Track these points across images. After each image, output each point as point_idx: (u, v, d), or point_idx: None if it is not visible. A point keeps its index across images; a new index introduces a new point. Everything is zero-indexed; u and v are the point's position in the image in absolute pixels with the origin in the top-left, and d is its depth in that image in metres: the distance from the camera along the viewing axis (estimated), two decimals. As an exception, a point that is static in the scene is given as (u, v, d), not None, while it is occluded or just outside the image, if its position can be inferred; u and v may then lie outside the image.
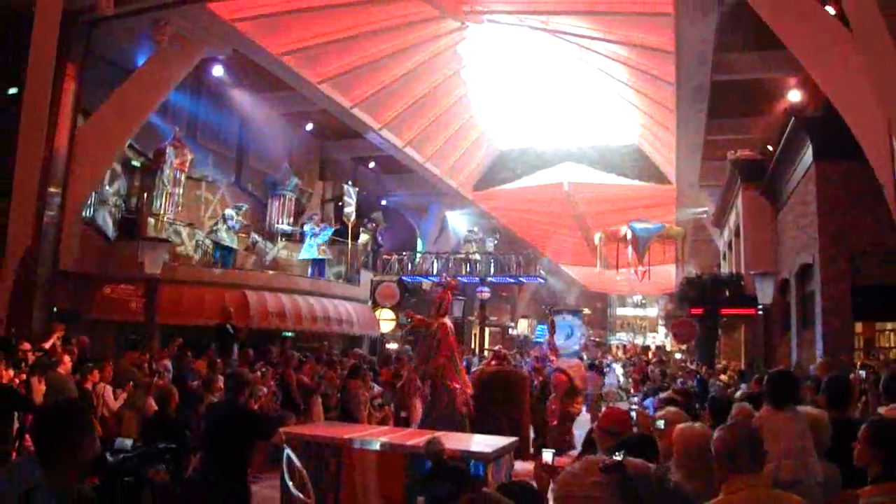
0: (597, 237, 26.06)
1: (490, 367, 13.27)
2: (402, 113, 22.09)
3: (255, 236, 20.82)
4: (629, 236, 23.89)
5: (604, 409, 5.16)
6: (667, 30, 14.81)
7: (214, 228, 19.17)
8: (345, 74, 19.01)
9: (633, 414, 7.25)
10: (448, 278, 14.67)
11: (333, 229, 22.88)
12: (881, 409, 5.80)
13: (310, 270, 21.72)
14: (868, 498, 3.26)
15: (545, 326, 17.26)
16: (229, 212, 19.35)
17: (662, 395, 7.45)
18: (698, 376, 15.68)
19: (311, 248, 21.84)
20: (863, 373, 8.36)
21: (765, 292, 15.93)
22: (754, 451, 3.17)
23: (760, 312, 16.75)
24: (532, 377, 14.25)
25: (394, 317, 26.18)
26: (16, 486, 2.62)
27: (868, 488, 3.26)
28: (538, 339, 25.06)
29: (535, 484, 3.57)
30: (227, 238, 19.01)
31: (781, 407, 4.80)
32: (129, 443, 2.92)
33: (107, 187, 16.98)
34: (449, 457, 6.59)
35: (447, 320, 11.54)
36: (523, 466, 10.77)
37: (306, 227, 22.36)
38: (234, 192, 21.80)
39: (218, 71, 18.66)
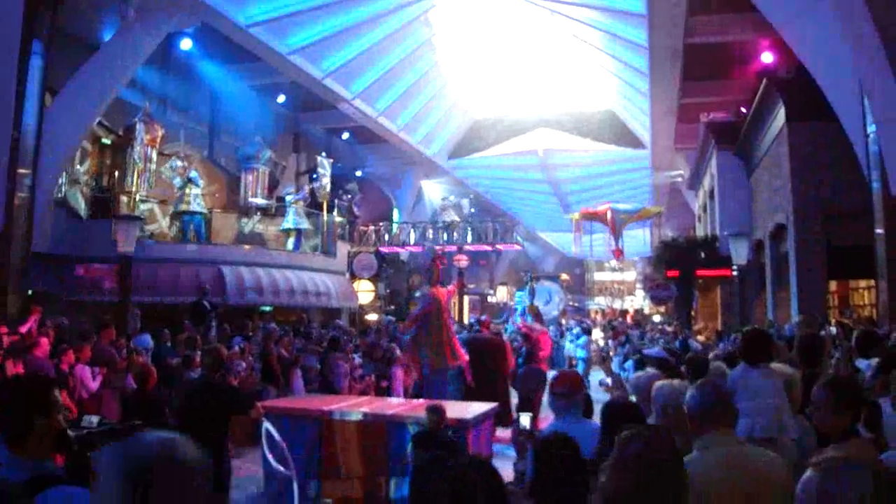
0: (574, 216, 26.17)
1: (476, 336, 13.28)
2: (374, 83, 21.91)
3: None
4: (608, 216, 24.03)
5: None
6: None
7: (182, 194, 18.77)
8: (315, 44, 18.79)
9: (607, 380, 7.30)
10: (433, 247, 14.61)
11: (308, 190, 22.71)
12: (861, 363, 5.89)
13: (293, 243, 21.58)
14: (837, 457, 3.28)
15: (523, 293, 17.34)
16: (194, 173, 18.95)
17: (647, 351, 7.49)
18: (680, 337, 15.84)
19: (293, 217, 21.67)
20: (834, 330, 8.47)
21: (739, 253, 16.08)
22: (724, 408, 3.21)
23: (736, 273, 16.90)
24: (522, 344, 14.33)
25: (372, 288, 26.16)
26: None
27: (833, 447, 3.25)
28: (517, 306, 25.12)
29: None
30: (196, 203, 18.69)
31: (755, 364, 4.86)
32: (95, 420, 2.91)
33: (77, 166, 16.75)
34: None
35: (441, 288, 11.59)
36: (505, 433, 10.89)
37: (288, 197, 22.20)
38: (206, 167, 21.56)
39: (186, 44, 18.42)
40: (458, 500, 2.42)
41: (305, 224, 22.06)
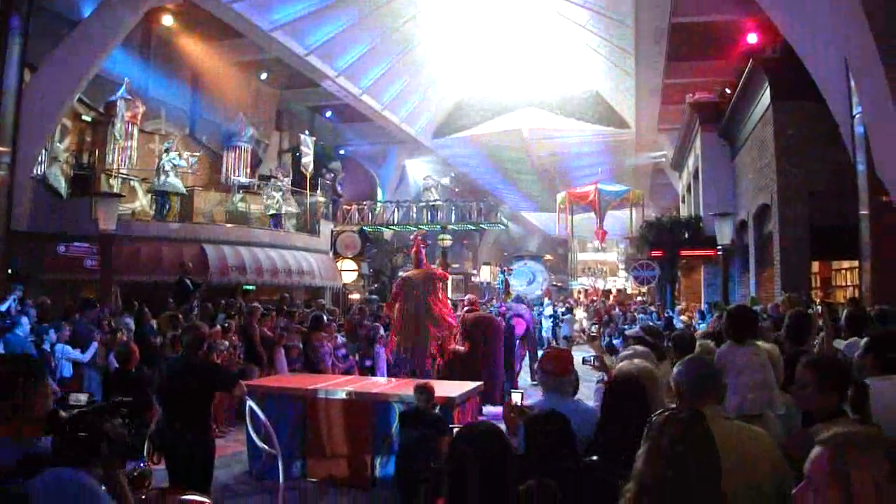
0: (559, 197, 26.21)
1: (469, 315, 13.22)
2: (358, 60, 21.76)
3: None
4: (591, 197, 24.13)
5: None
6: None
7: (162, 170, 18.18)
8: (298, 21, 18.63)
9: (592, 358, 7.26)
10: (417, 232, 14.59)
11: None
12: (839, 343, 5.90)
13: (271, 222, 21.42)
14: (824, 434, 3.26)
15: (502, 277, 17.42)
16: (174, 156, 18.54)
17: (629, 331, 7.48)
18: (665, 315, 15.92)
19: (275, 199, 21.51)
20: (819, 308, 8.49)
21: (723, 233, 16.11)
22: (714, 384, 3.20)
23: (720, 253, 16.95)
24: (514, 324, 14.34)
25: (355, 267, 26.09)
26: None
27: (820, 427, 3.22)
28: (499, 286, 25.23)
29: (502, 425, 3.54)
30: (175, 182, 18.38)
31: (741, 342, 4.87)
32: (83, 398, 2.85)
33: (57, 143, 16.54)
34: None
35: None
36: (492, 411, 10.90)
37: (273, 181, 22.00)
38: (188, 144, 21.35)
39: (167, 20, 18.17)
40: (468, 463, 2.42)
41: (285, 207, 21.81)
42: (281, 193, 21.43)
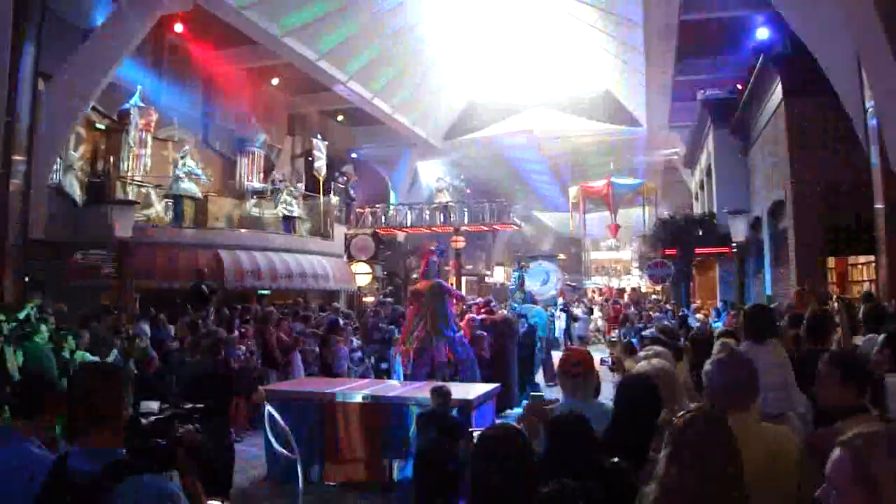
0: (573, 192, 26.16)
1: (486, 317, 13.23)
2: (368, 64, 21.80)
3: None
4: (605, 191, 24.09)
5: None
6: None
7: (176, 177, 18.55)
8: (309, 26, 18.68)
9: (609, 358, 7.26)
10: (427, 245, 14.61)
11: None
12: (858, 340, 5.89)
13: (283, 226, 21.52)
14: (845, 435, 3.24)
15: (517, 275, 17.40)
16: (190, 163, 18.82)
17: (645, 332, 7.50)
18: (680, 313, 15.87)
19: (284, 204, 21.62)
20: (836, 304, 8.46)
21: (738, 230, 16.04)
22: (752, 385, 3.16)
23: (734, 250, 16.88)
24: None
25: (369, 270, 26.13)
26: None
27: (841, 423, 3.18)
28: (512, 287, 25.20)
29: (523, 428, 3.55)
30: (190, 186, 18.52)
31: (761, 341, 4.85)
32: (154, 405, 2.91)
33: (72, 152, 16.64)
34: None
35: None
36: (509, 413, 10.90)
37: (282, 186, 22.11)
38: (201, 151, 21.44)
39: (179, 27, 18.26)
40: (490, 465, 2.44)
41: (297, 211, 21.92)
42: (292, 197, 21.53)
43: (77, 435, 2.70)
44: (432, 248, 13.49)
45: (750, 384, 3.16)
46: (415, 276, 31.44)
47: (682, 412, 2.42)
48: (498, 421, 8.58)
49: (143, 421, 2.78)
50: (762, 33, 16.00)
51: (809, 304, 8.53)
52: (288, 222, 21.34)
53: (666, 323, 13.11)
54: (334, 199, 24.75)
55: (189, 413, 2.93)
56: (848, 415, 3.11)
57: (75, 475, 2.55)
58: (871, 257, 12.26)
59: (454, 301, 12.06)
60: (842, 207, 13.41)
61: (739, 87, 18.40)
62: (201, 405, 3.08)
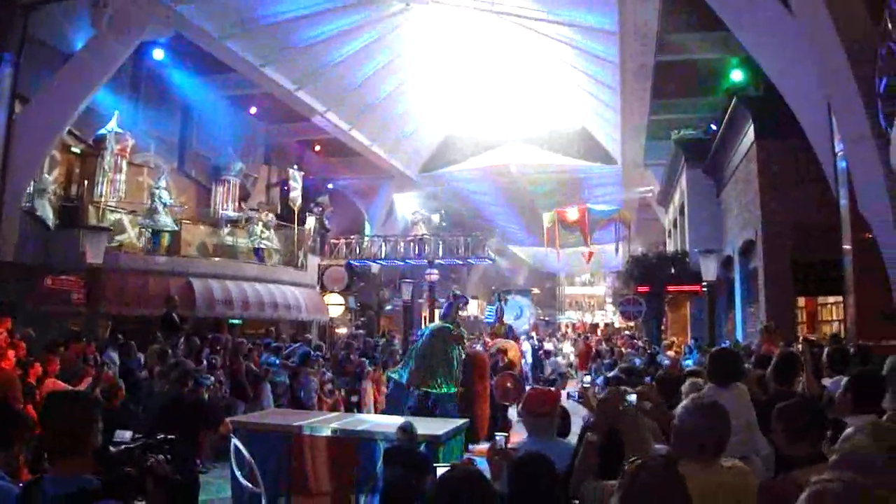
0: (547, 217, 26.25)
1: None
2: (347, 95, 21.89)
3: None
4: (580, 217, 24.16)
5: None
6: (611, 10, 14.91)
7: (152, 208, 18.33)
8: (289, 56, 18.77)
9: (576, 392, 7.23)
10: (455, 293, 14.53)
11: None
12: (826, 381, 5.93)
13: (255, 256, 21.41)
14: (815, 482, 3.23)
15: (493, 308, 17.37)
16: (164, 193, 18.54)
17: (609, 374, 7.51)
18: (648, 352, 15.92)
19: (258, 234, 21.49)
20: (801, 346, 8.52)
21: (709, 269, 16.16)
22: (725, 436, 3.12)
23: (705, 289, 17.00)
24: (498, 358, 14.34)
25: (342, 301, 26.04)
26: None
27: (798, 472, 3.08)
28: (487, 320, 25.15)
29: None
30: (165, 220, 18.43)
31: (725, 384, 4.88)
32: (128, 435, 2.95)
33: (46, 175, 16.51)
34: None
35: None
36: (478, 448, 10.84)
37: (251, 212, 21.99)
38: (177, 178, 21.35)
39: (159, 54, 18.25)
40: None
41: (267, 243, 21.73)
42: (268, 229, 21.44)
43: (50, 461, 2.80)
44: (458, 292, 13.54)
45: (724, 434, 3.12)
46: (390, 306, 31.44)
47: (633, 458, 2.42)
48: (466, 455, 8.56)
49: (113, 449, 2.80)
50: (736, 75, 16.25)
51: (778, 343, 8.62)
52: (259, 253, 21.20)
53: (636, 360, 13.18)
54: (309, 223, 24.57)
55: (160, 443, 2.96)
56: (804, 464, 3.11)
57: (45, 499, 2.61)
58: (840, 298, 12.39)
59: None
60: (812, 248, 13.57)
61: (713, 127, 18.66)
62: (172, 436, 3.10)
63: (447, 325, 11.72)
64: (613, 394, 3.69)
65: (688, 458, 2.97)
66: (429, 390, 10.76)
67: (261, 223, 21.46)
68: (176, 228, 18.80)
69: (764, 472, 4.12)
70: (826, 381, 5.94)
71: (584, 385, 5.40)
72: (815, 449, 3.32)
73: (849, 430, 2.67)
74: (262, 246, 21.34)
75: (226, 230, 21.16)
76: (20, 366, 9.24)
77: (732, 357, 5.38)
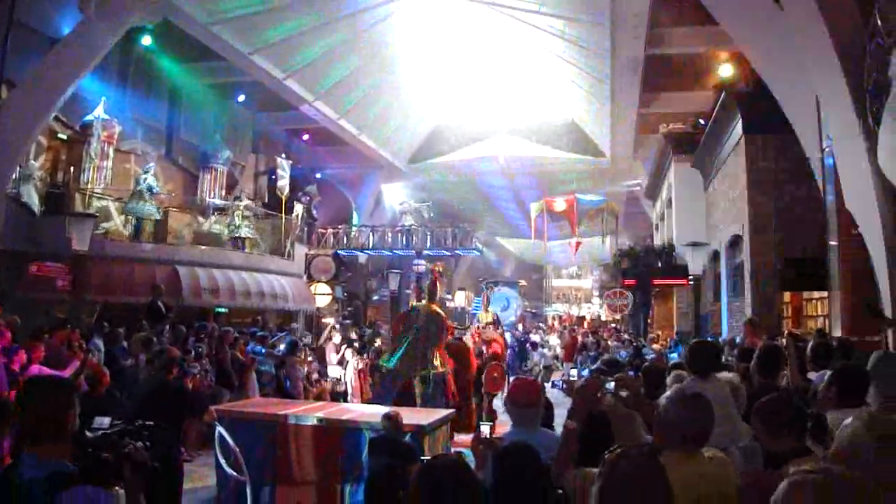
0: (535, 207, 26.26)
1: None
2: (336, 85, 21.80)
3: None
4: (568, 207, 24.17)
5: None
6: (602, 2, 14.92)
7: (137, 191, 17.99)
8: (277, 45, 18.67)
9: (560, 382, 7.26)
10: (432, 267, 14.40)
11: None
12: (812, 375, 5.96)
13: (233, 244, 21.17)
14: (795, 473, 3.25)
15: (480, 299, 17.34)
16: (151, 179, 18.20)
17: (593, 366, 7.54)
18: (634, 344, 15.98)
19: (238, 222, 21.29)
20: (785, 341, 8.56)
21: (696, 262, 16.26)
22: (709, 429, 3.14)
23: (691, 282, 17.08)
24: (482, 349, 14.38)
25: (329, 291, 26.00)
26: None
27: (785, 467, 3.15)
28: (474, 312, 25.17)
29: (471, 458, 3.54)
30: (150, 208, 18.24)
31: (705, 376, 4.91)
32: (106, 421, 2.97)
33: (32, 161, 16.39)
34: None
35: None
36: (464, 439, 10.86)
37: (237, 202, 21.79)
38: (164, 166, 21.23)
39: (147, 40, 18.13)
40: (432, 497, 2.42)
41: (245, 232, 21.50)
42: (240, 216, 21.12)
43: (28, 445, 2.79)
44: (439, 269, 13.42)
45: (707, 425, 3.13)
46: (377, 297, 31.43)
47: (613, 447, 2.43)
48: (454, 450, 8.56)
49: (90, 435, 2.82)
50: (725, 70, 16.30)
51: (761, 337, 8.66)
52: (236, 242, 20.92)
53: (622, 353, 13.22)
54: (297, 212, 24.41)
55: (139, 430, 2.96)
56: (790, 458, 3.13)
57: (22, 482, 2.63)
58: (826, 293, 12.46)
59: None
60: (798, 243, 13.65)
61: (702, 121, 18.71)
62: (151, 423, 3.11)
63: (439, 311, 11.62)
64: (592, 381, 3.72)
65: (671, 448, 3.00)
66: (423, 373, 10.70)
67: (238, 213, 21.16)
68: (158, 216, 18.66)
69: (742, 464, 4.14)
70: (812, 375, 5.97)
71: (570, 377, 5.42)
72: (799, 443, 3.34)
73: (847, 420, 2.71)
74: (240, 235, 21.10)
75: (212, 218, 21.04)
76: (4, 353, 9.19)
77: (711, 349, 5.40)
